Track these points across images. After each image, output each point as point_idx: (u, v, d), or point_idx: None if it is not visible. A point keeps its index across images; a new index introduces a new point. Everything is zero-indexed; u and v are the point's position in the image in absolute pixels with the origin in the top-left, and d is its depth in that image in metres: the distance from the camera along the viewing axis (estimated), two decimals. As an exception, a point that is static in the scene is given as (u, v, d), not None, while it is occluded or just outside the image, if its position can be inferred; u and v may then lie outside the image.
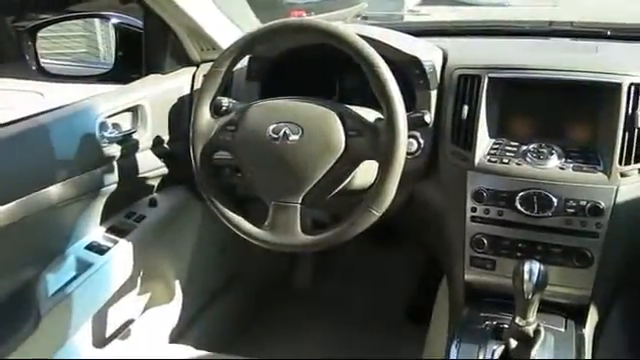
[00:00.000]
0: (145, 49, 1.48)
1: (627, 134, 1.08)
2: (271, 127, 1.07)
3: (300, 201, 1.06)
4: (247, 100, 1.18)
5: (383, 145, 1.02)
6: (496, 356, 1.06)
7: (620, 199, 1.08)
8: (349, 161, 1.06)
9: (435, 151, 1.22)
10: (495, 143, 1.18)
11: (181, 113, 1.44)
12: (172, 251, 1.57)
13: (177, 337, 1.61)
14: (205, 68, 1.44)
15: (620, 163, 1.08)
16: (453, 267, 1.24)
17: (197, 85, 1.45)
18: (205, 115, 1.13)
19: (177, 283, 1.58)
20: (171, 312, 1.59)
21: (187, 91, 1.46)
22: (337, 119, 1.05)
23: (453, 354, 1.10)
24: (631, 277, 1.23)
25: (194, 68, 1.50)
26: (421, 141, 1.20)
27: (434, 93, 1.22)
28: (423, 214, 1.31)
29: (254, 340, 1.79)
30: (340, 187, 1.10)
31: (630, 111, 1.08)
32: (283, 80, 1.30)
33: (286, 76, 1.31)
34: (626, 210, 1.09)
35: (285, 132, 1.06)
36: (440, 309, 1.45)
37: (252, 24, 1.54)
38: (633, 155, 1.08)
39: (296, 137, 1.05)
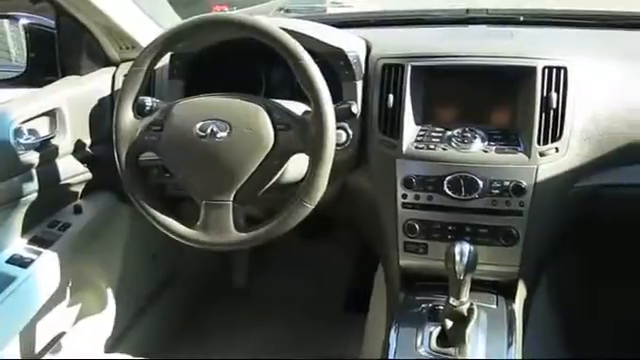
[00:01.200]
0: (59, 50, 1.42)
1: (544, 115, 1.12)
2: (198, 125, 1.05)
3: (232, 198, 1.05)
4: (171, 99, 1.16)
5: (312, 138, 1.02)
6: (433, 337, 1.08)
7: (540, 177, 1.13)
8: (279, 155, 1.05)
9: (364, 141, 1.23)
10: (421, 130, 1.20)
11: (102, 115, 1.39)
12: (101, 258, 1.52)
13: (112, 347, 1.56)
14: (125, 68, 1.40)
15: (539, 143, 1.12)
16: (388, 254, 1.26)
17: (118, 85, 1.40)
18: (128, 116, 1.09)
19: (109, 291, 1.53)
20: (104, 321, 1.54)
21: (107, 92, 1.41)
22: (265, 114, 1.05)
23: (392, 339, 1.12)
24: (554, 252, 1.29)
25: (113, 68, 1.45)
26: (350, 132, 1.21)
27: (360, 84, 1.23)
28: (356, 203, 1.32)
29: (194, 343, 1.76)
30: (272, 182, 1.09)
31: (545, 93, 1.13)
32: (207, 77, 1.28)
33: (210, 73, 1.29)
34: (546, 188, 1.14)
35: (212, 129, 1.04)
36: (377, 296, 1.48)
37: (172, 20, 1.50)
38: (550, 135, 1.12)
39: (224, 134, 1.04)
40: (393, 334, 1.13)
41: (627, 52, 1.26)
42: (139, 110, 1.11)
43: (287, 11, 1.70)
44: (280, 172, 1.09)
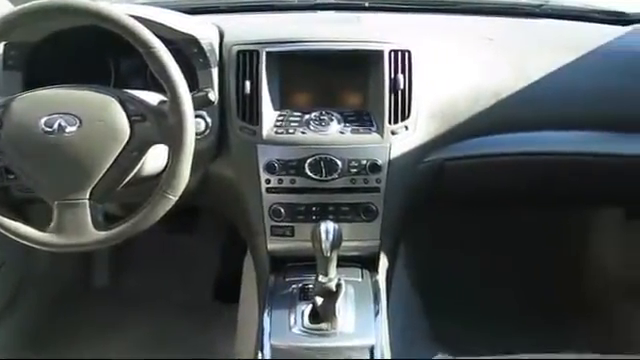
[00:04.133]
0: None
1: (392, 96, 1.19)
2: (43, 120, 0.98)
3: (88, 196, 0.99)
4: (8, 93, 1.06)
5: (170, 128, 0.99)
6: (305, 316, 1.12)
7: (393, 155, 1.20)
8: (136, 148, 1.01)
9: (224, 128, 1.23)
10: (280, 115, 1.22)
11: None
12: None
13: None
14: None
15: (390, 123, 1.19)
16: (255, 239, 1.27)
17: None
18: None
19: None
20: None
21: None
22: (118, 105, 1.00)
23: (266, 323, 1.14)
24: (410, 223, 1.38)
25: None
26: (208, 120, 1.20)
27: (215, 71, 1.21)
28: (220, 192, 1.31)
29: (56, 349, 1.64)
30: (130, 176, 1.05)
31: (393, 75, 1.19)
32: (50, 68, 1.19)
33: (53, 63, 1.20)
34: (399, 164, 1.21)
35: (60, 124, 0.97)
36: (247, 283, 1.49)
37: (2, 7, 1.36)
38: (400, 114, 1.19)
39: (74, 128, 0.98)
40: (266, 317, 1.15)
41: (464, 35, 1.36)
42: None
43: (132, -2, 1.62)
44: (139, 165, 1.04)
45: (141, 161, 1.04)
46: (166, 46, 1.00)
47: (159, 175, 1.05)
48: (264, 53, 1.20)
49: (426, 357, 1.08)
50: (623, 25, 1.40)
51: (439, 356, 1.08)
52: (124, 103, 1.00)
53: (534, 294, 1.72)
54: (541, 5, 1.46)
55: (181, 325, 1.73)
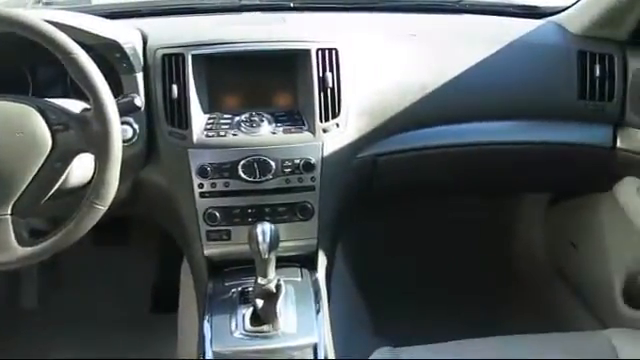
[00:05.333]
0: None
1: (322, 94, 1.20)
2: None
3: (10, 211, 0.95)
4: None
5: (95, 136, 0.96)
6: (246, 319, 1.11)
7: (326, 153, 1.21)
8: (60, 158, 0.97)
9: (152, 134, 1.20)
10: (210, 118, 1.20)
11: None
12: None
13: None
14: None
15: (321, 121, 1.20)
16: (191, 246, 1.25)
17: None
18: None
19: None
20: None
21: None
22: (38, 114, 0.95)
23: (206, 329, 1.12)
24: (347, 220, 1.39)
25: None
26: (136, 126, 1.17)
27: (140, 75, 1.18)
28: (152, 200, 1.28)
29: None
30: (55, 188, 1.00)
31: (321, 74, 1.20)
32: None
33: None
34: (332, 161, 1.22)
35: None
36: (185, 291, 1.46)
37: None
38: (330, 112, 1.20)
39: None
40: (206, 324, 1.13)
41: (389, 32, 1.39)
42: None
43: (47, 4, 1.56)
44: (64, 176, 1.00)
45: (66, 172, 1.00)
46: (86, 52, 0.97)
47: (86, 185, 1.01)
48: (190, 56, 1.18)
49: (368, 351, 1.10)
50: (537, 19, 1.47)
51: (381, 349, 1.09)
52: (44, 112, 0.96)
53: (468, 281, 1.78)
54: (460, 1, 1.51)
55: (119, 341, 1.67)
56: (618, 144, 1.37)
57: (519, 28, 1.41)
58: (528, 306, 1.73)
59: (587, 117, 1.36)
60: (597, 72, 1.33)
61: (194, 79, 1.18)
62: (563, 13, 1.44)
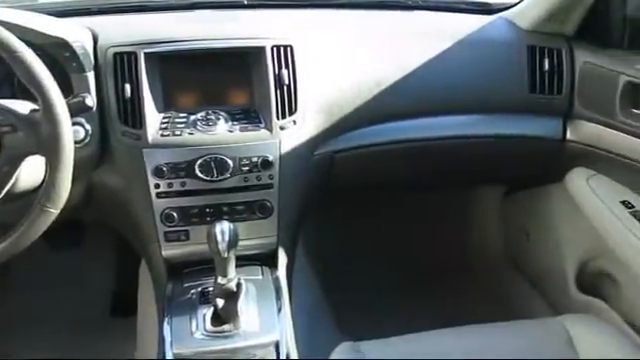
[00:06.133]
0: None
1: (278, 92, 1.19)
2: None
3: None
4: None
5: (45, 137, 0.93)
6: (207, 319, 1.10)
7: (284, 150, 1.20)
8: (8, 161, 0.94)
9: (106, 135, 1.17)
10: (164, 117, 1.18)
11: None
12: None
13: None
14: None
15: (277, 118, 1.19)
16: (149, 247, 1.23)
17: None
18: None
19: None
20: None
21: None
22: None
23: (166, 331, 1.10)
24: (307, 216, 1.40)
25: None
26: (87, 127, 1.14)
27: (91, 75, 1.16)
28: (107, 201, 1.25)
29: None
30: (4, 192, 0.97)
31: (277, 71, 1.19)
32: None
33: None
34: (290, 159, 1.22)
35: None
36: (144, 294, 1.43)
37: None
38: (287, 109, 1.20)
39: None
40: (166, 326, 1.12)
41: (345, 29, 1.40)
42: None
43: (-8, 2, 1.51)
44: (12, 180, 0.97)
45: (14, 175, 0.97)
46: (34, 51, 0.94)
47: (37, 189, 0.98)
48: (142, 54, 1.16)
49: (331, 347, 1.10)
50: (488, 15, 1.50)
51: (343, 344, 1.10)
52: None
53: (426, 273, 1.80)
54: (412, -3, 1.53)
55: (76, 347, 1.63)
56: (568, 136, 1.41)
57: (471, 24, 1.43)
58: (485, 295, 1.76)
59: (538, 110, 1.40)
60: (546, 66, 1.37)
61: (147, 78, 1.16)
62: (513, 9, 1.48)
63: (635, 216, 1.30)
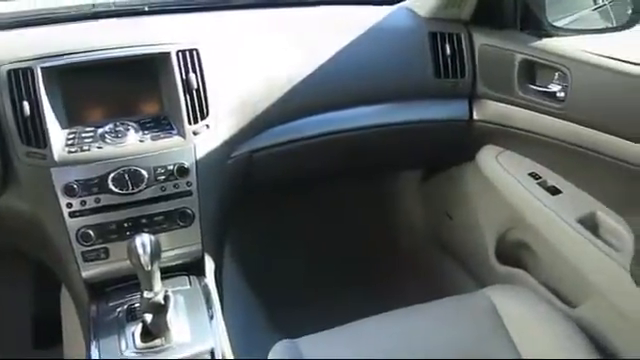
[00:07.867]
0: None
1: (188, 97, 1.17)
2: None
3: None
4: None
5: None
6: (136, 336, 1.07)
7: (199, 155, 1.19)
8: None
9: (7, 157, 1.11)
10: (70, 133, 1.14)
11: None
12: None
13: None
14: None
15: (190, 123, 1.17)
16: (67, 270, 1.17)
17: None
18: None
19: None
20: None
21: None
22: None
23: (94, 354, 1.06)
24: (231, 220, 1.38)
25: None
26: None
27: None
28: (16, 227, 1.19)
29: None
30: None
31: (185, 76, 1.17)
32: None
33: None
34: (207, 163, 1.20)
35: None
36: (68, 319, 1.38)
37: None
38: (199, 114, 1.18)
39: None
40: (94, 349, 1.07)
41: (252, 28, 1.39)
42: None
43: None
44: None
45: None
46: None
47: None
48: (39, 69, 1.11)
49: (269, 347, 1.10)
50: (390, 4, 1.53)
51: (279, 342, 1.10)
52: None
53: (357, 262, 1.83)
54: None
55: None
56: (474, 116, 1.47)
57: (375, 15, 1.46)
58: (415, 277, 1.81)
59: (445, 94, 1.45)
60: (448, 51, 1.42)
61: (47, 93, 1.11)
62: (413, -2, 1.52)
63: (542, 186, 1.37)
